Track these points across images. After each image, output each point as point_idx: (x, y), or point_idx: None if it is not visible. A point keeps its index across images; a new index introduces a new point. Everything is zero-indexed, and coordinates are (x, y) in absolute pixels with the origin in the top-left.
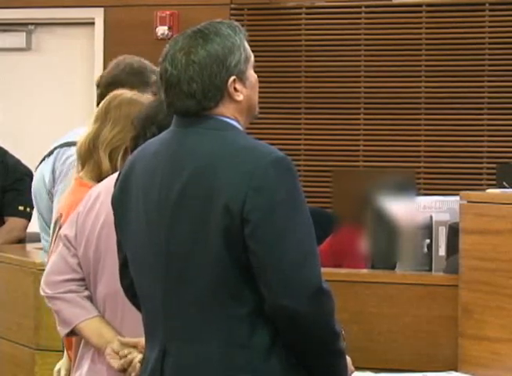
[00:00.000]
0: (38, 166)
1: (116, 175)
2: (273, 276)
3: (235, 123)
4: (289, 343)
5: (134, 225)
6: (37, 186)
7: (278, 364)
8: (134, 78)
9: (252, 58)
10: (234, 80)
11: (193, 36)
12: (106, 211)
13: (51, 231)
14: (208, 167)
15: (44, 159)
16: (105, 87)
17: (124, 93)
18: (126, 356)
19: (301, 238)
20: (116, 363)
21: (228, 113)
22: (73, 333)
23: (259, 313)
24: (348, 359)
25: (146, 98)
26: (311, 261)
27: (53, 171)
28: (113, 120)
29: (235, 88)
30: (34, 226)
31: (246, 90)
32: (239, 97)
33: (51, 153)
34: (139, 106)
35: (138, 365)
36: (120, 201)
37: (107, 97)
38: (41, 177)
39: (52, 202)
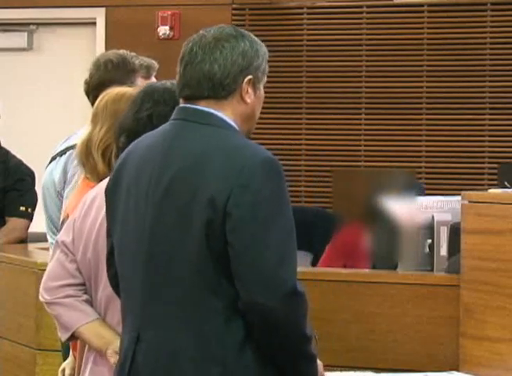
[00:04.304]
0: (48, 165)
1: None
2: (249, 273)
3: (233, 124)
4: (260, 342)
5: (122, 213)
6: (47, 185)
7: (250, 359)
8: (118, 73)
9: (265, 78)
10: (250, 80)
11: (228, 29)
12: (102, 215)
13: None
14: (199, 160)
15: (54, 158)
16: (94, 91)
17: (110, 92)
18: None
19: (280, 239)
20: None
21: (231, 114)
22: (73, 337)
23: (235, 308)
24: (319, 363)
25: (133, 90)
26: (287, 262)
27: (64, 172)
28: (102, 120)
29: (247, 90)
30: (35, 227)
31: (254, 98)
32: (248, 99)
33: (63, 153)
34: (125, 100)
35: None
36: (112, 192)
37: (97, 99)
38: (50, 177)
39: (61, 202)
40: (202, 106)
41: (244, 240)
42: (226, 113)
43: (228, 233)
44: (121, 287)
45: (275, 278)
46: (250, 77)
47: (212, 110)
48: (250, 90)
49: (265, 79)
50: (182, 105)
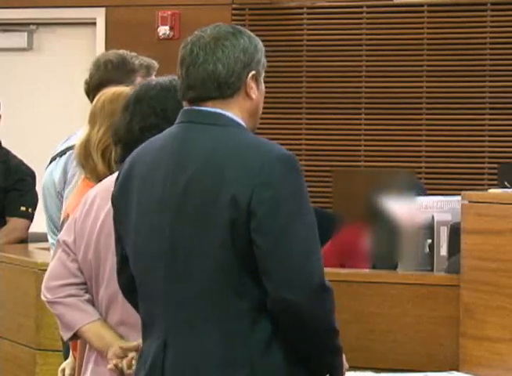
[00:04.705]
0: (48, 166)
1: (109, 177)
2: (277, 270)
3: (241, 121)
4: (288, 339)
5: (135, 218)
6: (47, 186)
7: (277, 360)
8: (118, 73)
9: (264, 72)
10: (253, 75)
11: (225, 27)
12: (103, 215)
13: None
14: (215, 161)
15: (54, 158)
16: (94, 91)
17: (107, 92)
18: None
19: (305, 235)
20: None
21: (238, 112)
22: (75, 336)
23: (260, 308)
24: (343, 356)
25: (130, 89)
26: (314, 257)
27: (64, 173)
28: (100, 120)
29: (251, 86)
30: (35, 227)
31: (258, 93)
32: (253, 95)
33: (63, 153)
34: (122, 100)
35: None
36: (120, 198)
37: (94, 100)
38: (50, 177)
39: (61, 202)
40: (209, 107)
41: (269, 238)
42: (233, 111)
43: (252, 231)
44: (140, 294)
45: (302, 274)
46: (253, 72)
47: (220, 111)
48: (253, 85)
49: (264, 73)
50: (187, 108)
